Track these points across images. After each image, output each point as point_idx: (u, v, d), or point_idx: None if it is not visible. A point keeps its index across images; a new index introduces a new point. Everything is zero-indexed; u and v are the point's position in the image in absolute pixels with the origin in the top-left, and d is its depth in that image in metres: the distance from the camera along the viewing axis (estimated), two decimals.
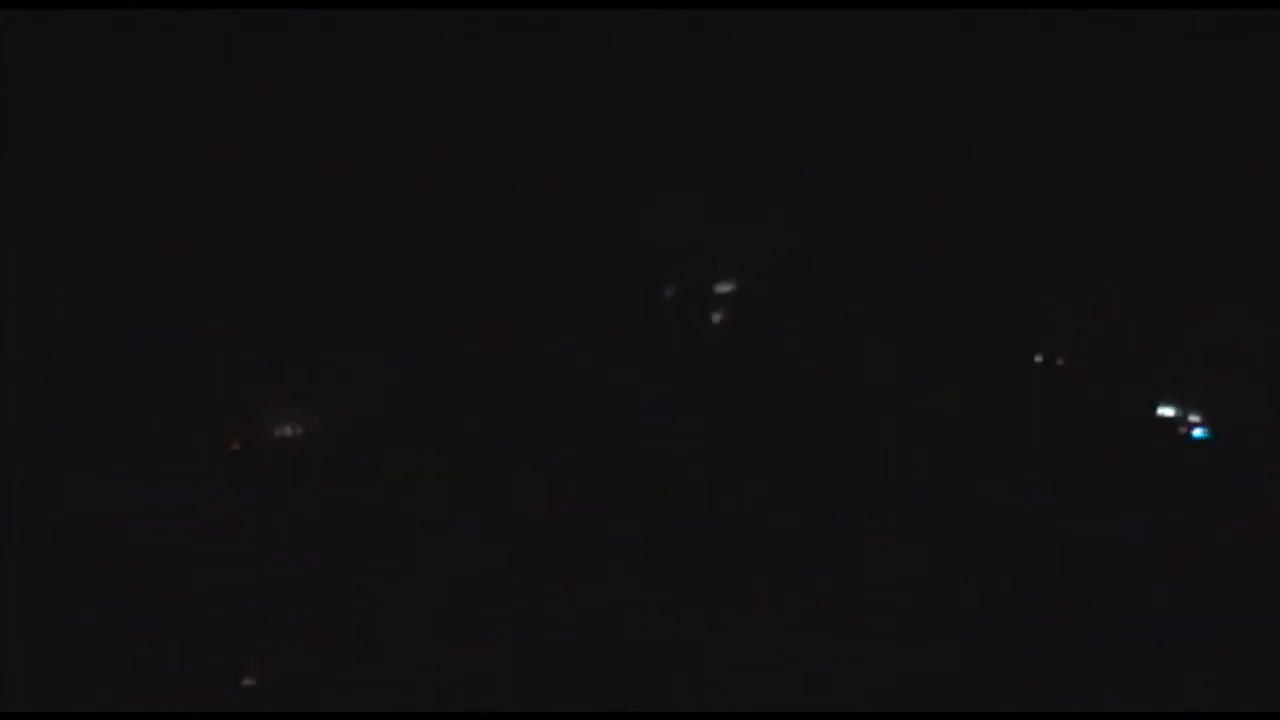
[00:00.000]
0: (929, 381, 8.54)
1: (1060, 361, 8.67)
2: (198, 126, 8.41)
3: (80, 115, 8.24)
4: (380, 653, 7.80)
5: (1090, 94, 8.50)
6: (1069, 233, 8.65)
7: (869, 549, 8.09)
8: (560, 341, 8.69)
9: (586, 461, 8.39)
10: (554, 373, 8.63)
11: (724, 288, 8.92)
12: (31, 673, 7.47)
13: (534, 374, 8.61)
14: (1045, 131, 8.55)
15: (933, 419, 8.44)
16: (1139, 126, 8.50)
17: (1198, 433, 8.37)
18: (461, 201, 8.72)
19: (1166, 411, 8.42)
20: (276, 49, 8.35)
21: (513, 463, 8.36)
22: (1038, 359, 8.67)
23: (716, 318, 8.95)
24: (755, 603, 7.91)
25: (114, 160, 8.31)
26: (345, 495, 8.26)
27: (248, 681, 7.82)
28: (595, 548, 8.11)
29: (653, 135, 8.77)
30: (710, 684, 7.63)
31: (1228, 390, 8.39)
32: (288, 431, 8.50)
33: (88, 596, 7.81)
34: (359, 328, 8.60)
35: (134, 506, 8.05)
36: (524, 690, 7.65)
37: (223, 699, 7.69)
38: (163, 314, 8.39)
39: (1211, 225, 8.49)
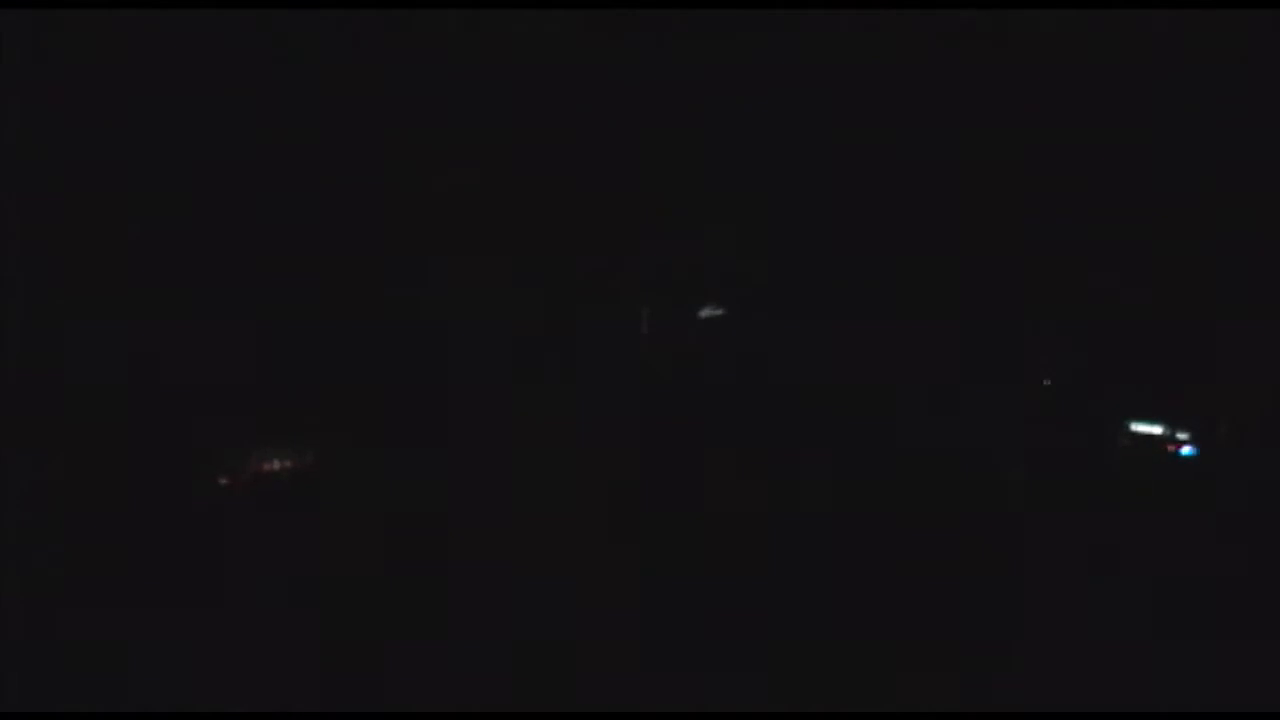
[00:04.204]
0: (921, 389, 8.59)
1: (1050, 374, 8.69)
2: (197, 127, 8.43)
3: (80, 115, 8.25)
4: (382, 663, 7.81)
5: (1090, 94, 8.53)
6: (1065, 239, 8.67)
7: (860, 554, 8.12)
8: (556, 348, 8.73)
9: (585, 463, 8.42)
10: (552, 378, 8.66)
11: (719, 290, 8.96)
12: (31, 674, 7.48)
13: (533, 377, 8.65)
14: (1045, 132, 8.59)
15: (923, 427, 8.48)
16: (1138, 127, 8.53)
17: (1185, 450, 8.38)
18: (460, 206, 8.75)
19: (1153, 429, 8.43)
20: (276, 49, 8.38)
21: (513, 466, 8.40)
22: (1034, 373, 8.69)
23: (709, 319, 8.98)
24: (752, 607, 7.93)
25: (114, 160, 8.33)
26: (343, 497, 8.31)
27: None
28: (593, 550, 8.13)
29: (651, 136, 8.80)
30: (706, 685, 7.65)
31: (1220, 406, 8.38)
32: (292, 434, 8.53)
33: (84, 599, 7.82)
34: (355, 329, 8.63)
35: (134, 506, 8.07)
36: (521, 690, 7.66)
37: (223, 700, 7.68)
38: (162, 314, 8.42)
39: (1212, 232, 8.50)
